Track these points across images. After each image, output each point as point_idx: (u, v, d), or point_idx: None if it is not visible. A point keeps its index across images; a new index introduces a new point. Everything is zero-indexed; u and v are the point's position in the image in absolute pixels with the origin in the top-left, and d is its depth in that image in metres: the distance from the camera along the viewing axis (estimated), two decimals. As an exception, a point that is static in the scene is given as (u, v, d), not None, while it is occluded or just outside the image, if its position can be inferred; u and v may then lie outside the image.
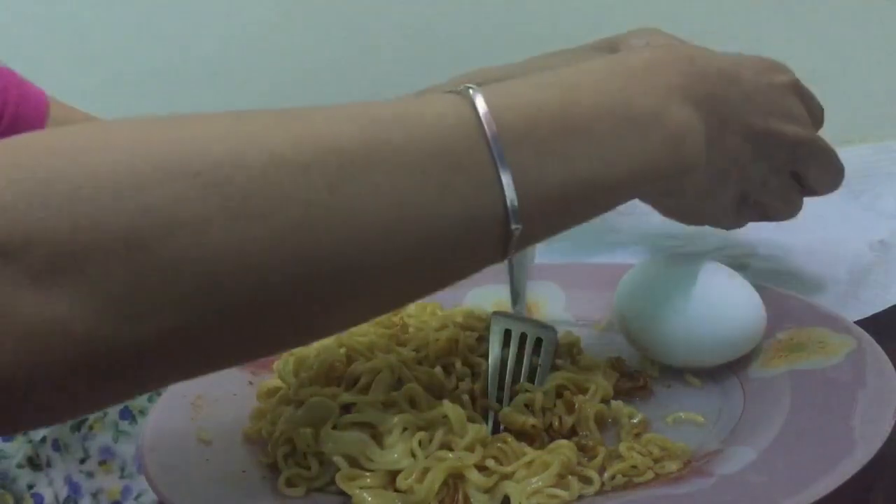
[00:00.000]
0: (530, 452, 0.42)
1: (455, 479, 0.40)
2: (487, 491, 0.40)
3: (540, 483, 0.40)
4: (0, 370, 0.28)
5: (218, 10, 0.95)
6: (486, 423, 0.45)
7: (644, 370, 0.50)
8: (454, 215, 0.34)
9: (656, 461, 0.42)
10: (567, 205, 0.37)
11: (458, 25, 0.89)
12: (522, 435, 0.44)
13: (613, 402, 0.47)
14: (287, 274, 0.32)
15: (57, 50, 0.91)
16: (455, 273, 0.37)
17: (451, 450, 0.41)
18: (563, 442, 0.42)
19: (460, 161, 0.34)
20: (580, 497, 0.40)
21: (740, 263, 0.63)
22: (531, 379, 0.47)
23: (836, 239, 0.66)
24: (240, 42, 0.95)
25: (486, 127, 0.34)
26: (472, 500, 0.40)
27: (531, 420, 0.44)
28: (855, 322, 0.49)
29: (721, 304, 0.48)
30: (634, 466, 0.41)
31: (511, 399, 0.46)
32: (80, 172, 0.29)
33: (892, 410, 0.40)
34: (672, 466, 0.41)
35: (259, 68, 0.94)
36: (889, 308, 0.55)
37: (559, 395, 0.46)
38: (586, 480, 0.41)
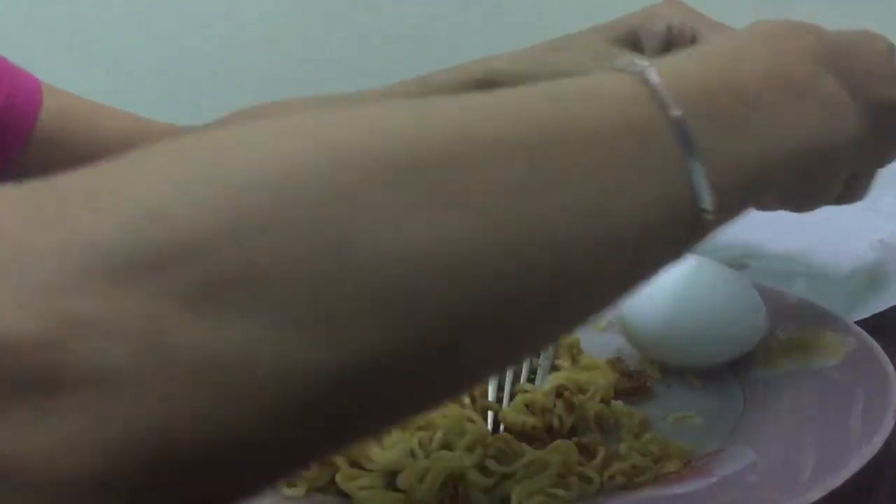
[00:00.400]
0: (530, 452, 0.42)
1: (455, 479, 0.40)
2: (487, 491, 0.40)
3: (540, 483, 0.40)
4: (172, 425, 0.22)
5: (218, 10, 0.95)
6: (486, 423, 0.45)
7: (644, 370, 0.50)
8: (649, 197, 0.30)
9: (656, 461, 0.42)
10: (747, 183, 0.33)
11: (458, 25, 0.89)
12: (522, 435, 0.44)
13: (613, 402, 0.46)
14: (496, 270, 0.26)
15: (56, 49, 0.91)
16: (651, 266, 0.32)
17: (451, 450, 0.41)
18: (563, 442, 0.42)
19: (647, 139, 0.30)
20: (580, 497, 0.40)
21: (740, 263, 0.63)
22: (531, 379, 0.47)
23: (836, 239, 0.66)
24: (240, 41, 0.95)
25: (669, 104, 0.31)
26: (472, 500, 0.40)
27: (531, 420, 0.44)
28: (855, 322, 0.49)
29: (721, 304, 0.48)
30: (634, 466, 0.41)
31: (511, 399, 0.46)
32: (248, 167, 0.24)
33: (892, 411, 0.40)
34: (672, 466, 0.41)
35: (259, 68, 0.94)
36: (889, 308, 0.55)
37: (559, 395, 0.46)
38: (586, 480, 0.41)
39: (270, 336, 0.23)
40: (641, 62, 0.32)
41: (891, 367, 0.43)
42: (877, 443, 0.38)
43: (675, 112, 0.31)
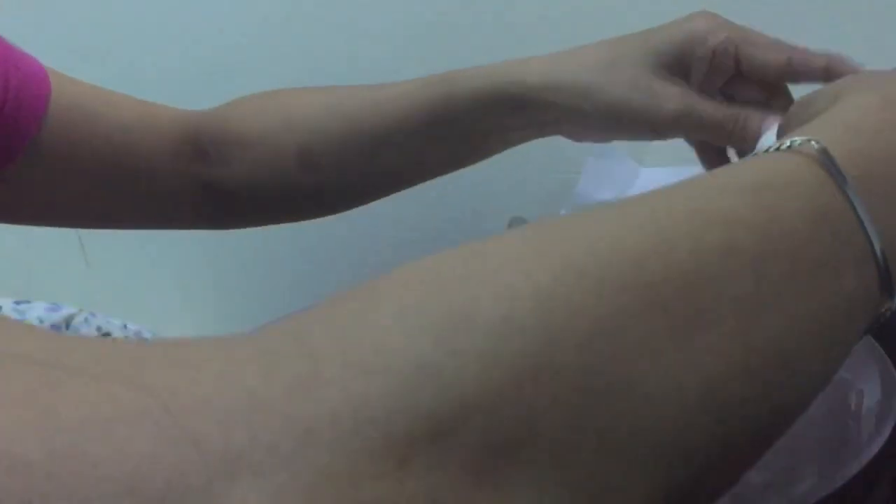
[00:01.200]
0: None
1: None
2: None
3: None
4: None
5: (218, 9, 0.95)
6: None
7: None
8: (851, 293, 0.28)
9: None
10: None
11: (459, 26, 0.89)
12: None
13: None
14: (742, 395, 0.25)
15: (55, 48, 0.92)
16: (841, 360, 0.30)
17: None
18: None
19: (840, 231, 0.28)
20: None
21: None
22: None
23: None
24: (240, 41, 0.95)
25: (858, 196, 0.29)
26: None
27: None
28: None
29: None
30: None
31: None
32: (507, 307, 0.22)
33: (893, 412, 0.39)
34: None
35: (259, 68, 0.95)
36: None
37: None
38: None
39: (552, 500, 0.21)
40: (809, 141, 0.30)
41: (891, 367, 0.43)
42: (878, 443, 0.38)
43: (860, 202, 0.29)
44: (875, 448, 0.37)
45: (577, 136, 0.56)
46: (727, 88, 0.52)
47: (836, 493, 0.36)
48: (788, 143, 0.30)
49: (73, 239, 1.01)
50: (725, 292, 0.25)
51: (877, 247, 0.28)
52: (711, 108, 0.50)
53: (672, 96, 0.50)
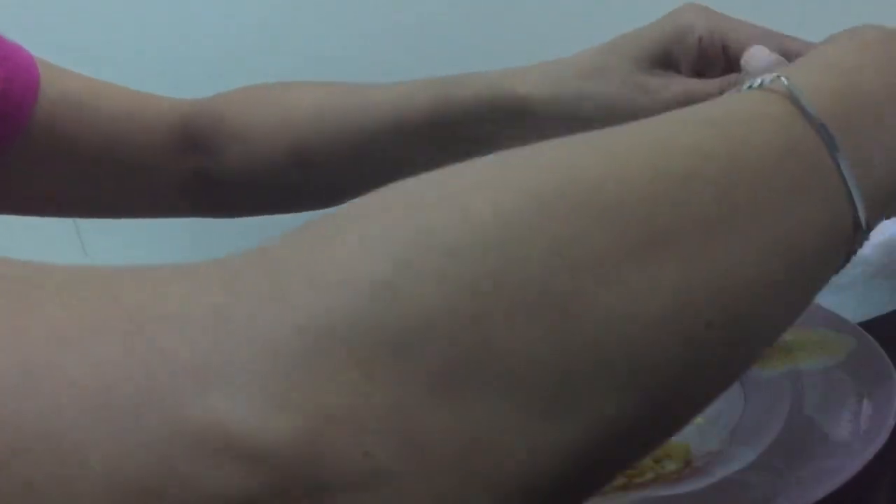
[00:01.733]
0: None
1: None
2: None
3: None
4: None
5: (218, 8, 0.95)
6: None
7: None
8: (822, 222, 0.29)
9: (656, 461, 0.42)
10: (885, 202, 0.32)
11: (459, 26, 0.89)
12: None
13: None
14: (706, 316, 0.25)
15: (54, 44, 0.91)
16: (814, 293, 0.30)
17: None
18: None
19: (810, 162, 0.29)
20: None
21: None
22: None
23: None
24: (239, 42, 0.95)
25: (826, 125, 0.29)
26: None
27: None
28: (855, 322, 0.49)
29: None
30: (634, 466, 0.41)
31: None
32: (464, 230, 0.22)
33: (893, 411, 0.40)
34: (672, 466, 0.41)
35: (259, 68, 0.94)
36: (890, 309, 0.55)
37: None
38: (586, 480, 0.41)
39: (516, 415, 0.21)
40: (778, 78, 0.31)
41: (891, 367, 0.43)
42: (877, 443, 0.38)
43: (836, 138, 0.29)
44: (875, 448, 0.38)
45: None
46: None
47: (836, 493, 0.36)
48: (759, 82, 0.31)
49: (70, 228, 1.01)
50: (687, 215, 0.25)
51: (850, 181, 0.29)
52: (706, 85, 0.50)
53: (665, 86, 0.51)
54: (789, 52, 0.49)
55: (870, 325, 0.49)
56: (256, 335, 0.20)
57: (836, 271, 0.31)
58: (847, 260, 0.31)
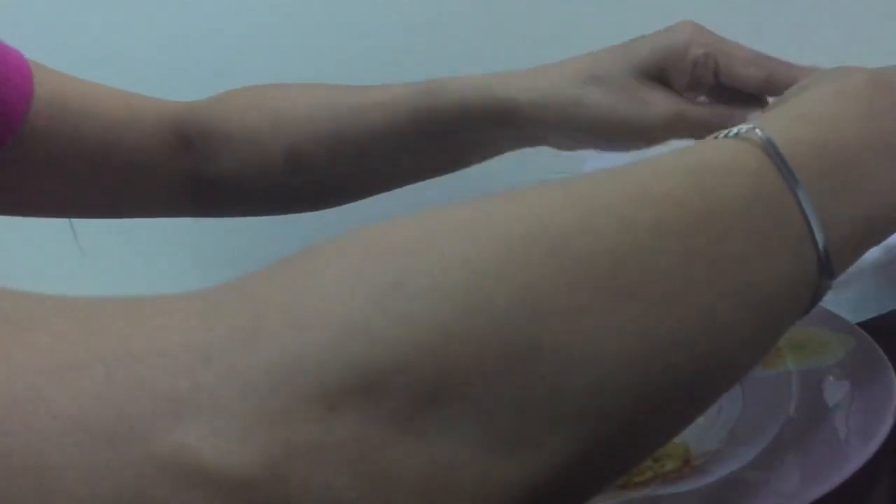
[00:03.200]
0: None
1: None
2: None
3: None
4: None
5: (218, 10, 0.95)
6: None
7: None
8: (788, 273, 0.30)
9: (655, 460, 0.42)
10: (857, 247, 0.34)
11: (460, 26, 0.89)
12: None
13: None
14: (667, 361, 0.26)
15: (54, 47, 0.91)
16: (776, 337, 0.32)
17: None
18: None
19: (779, 215, 0.30)
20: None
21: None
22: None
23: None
24: (239, 42, 0.95)
25: (798, 180, 0.30)
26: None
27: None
28: (855, 322, 0.49)
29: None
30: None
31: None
32: (435, 275, 0.23)
33: (892, 410, 0.40)
34: (671, 465, 0.41)
35: (259, 69, 0.94)
36: (889, 309, 0.55)
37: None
38: (585, 479, 0.41)
39: (472, 452, 0.23)
40: (753, 129, 0.31)
41: (890, 367, 0.43)
42: (876, 442, 0.38)
43: (804, 187, 0.30)
44: (874, 447, 0.38)
45: (566, 147, 0.56)
46: (709, 98, 0.53)
47: (834, 493, 0.36)
48: (735, 131, 0.32)
49: (65, 228, 1.01)
50: (653, 266, 0.26)
51: (817, 233, 0.30)
52: (698, 110, 0.51)
53: (659, 101, 0.51)
54: (778, 77, 0.49)
55: (869, 325, 0.49)
56: (230, 371, 0.21)
57: (801, 317, 0.32)
58: (812, 305, 0.32)
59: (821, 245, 0.30)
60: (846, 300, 0.57)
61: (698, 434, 0.44)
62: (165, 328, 0.22)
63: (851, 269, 0.62)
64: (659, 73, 0.52)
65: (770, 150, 0.30)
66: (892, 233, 0.35)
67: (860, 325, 0.49)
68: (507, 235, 0.25)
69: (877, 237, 0.34)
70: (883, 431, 0.38)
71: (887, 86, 0.37)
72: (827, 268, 0.31)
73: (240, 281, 0.24)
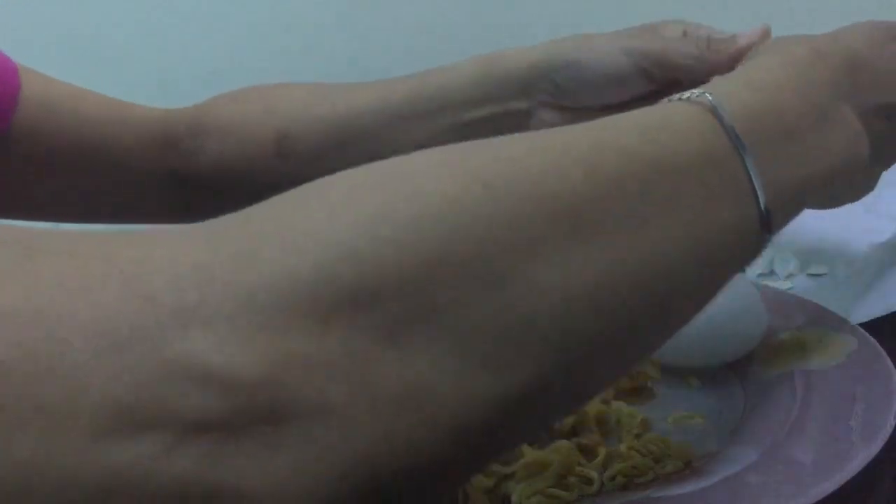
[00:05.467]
0: (530, 453, 0.41)
1: (455, 479, 0.40)
2: (487, 491, 0.40)
3: (540, 483, 0.40)
4: (380, 452, 0.24)
5: (218, 8, 0.95)
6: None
7: (644, 370, 0.50)
8: (732, 223, 0.33)
9: (657, 461, 0.42)
10: (792, 205, 0.37)
11: (460, 26, 0.89)
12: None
13: (614, 403, 0.46)
14: (625, 298, 0.29)
15: (53, 46, 0.91)
16: (722, 283, 0.35)
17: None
18: (564, 442, 0.42)
19: (725, 171, 0.33)
20: (580, 497, 0.40)
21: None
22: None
23: (837, 240, 0.66)
24: (239, 42, 0.95)
25: (743, 142, 0.33)
26: (472, 500, 0.40)
27: (531, 420, 0.44)
28: (855, 322, 0.49)
29: (722, 304, 0.48)
30: (635, 467, 0.41)
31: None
32: (420, 207, 0.26)
33: (893, 412, 0.39)
34: (672, 467, 0.41)
35: (258, 70, 0.94)
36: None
37: (559, 395, 0.46)
38: (586, 481, 0.41)
39: (452, 366, 0.25)
40: (704, 94, 0.35)
41: (892, 367, 0.43)
42: (877, 444, 0.38)
43: (748, 149, 0.33)
44: (876, 448, 0.37)
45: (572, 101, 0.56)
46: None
47: (836, 494, 0.36)
48: (688, 95, 0.35)
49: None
50: (613, 208, 0.29)
51: (759, 192, 0.33)
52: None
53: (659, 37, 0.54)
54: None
55: (870, 325, 0.49)
56: (232, 288, 0.23)
57: (742, 268, 0.36)
58: (753, 257, 0.36)
59: (762, 203, 0.33)
60: (847, 300, 0.57)
61: (700, 435, 0.44)
62: (174, 251, 0.24)
63: (852, 269, 0.62)
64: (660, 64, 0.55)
65: (718, 114, 0.34)
66: (825, 193, 0.40)
67: (862, 325, 0.49)
68: (483, 174, 0.28)
69: (811, 197, 0.38)
70: (885, 432, 0.38)
71: (826, 56, 0.40)
72: (766, 224, 0.34)
73: (240, 212, 0.26)
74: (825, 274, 0.63)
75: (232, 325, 0.22)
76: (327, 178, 0.28)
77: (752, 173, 0.33)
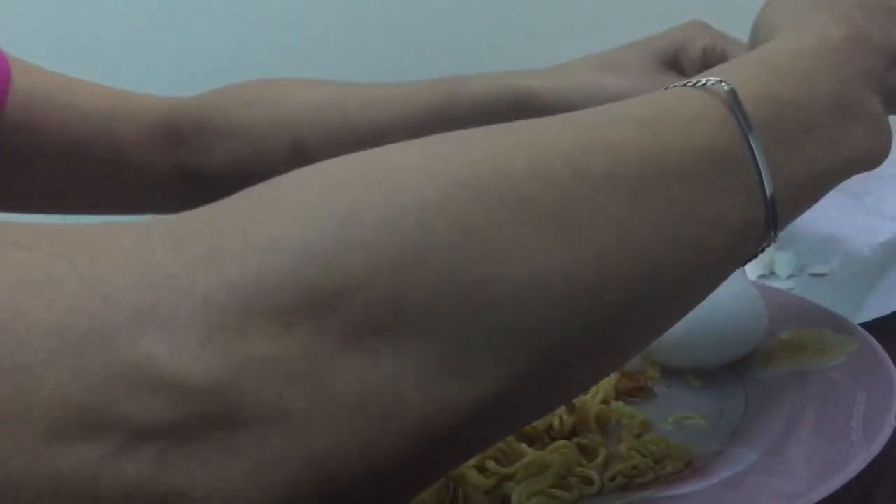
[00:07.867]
0: (530, 453, 0.41)
1: (455, 480, 0.40)
2: (488, 492, 0.40)
3: (540, 484, 0.40)
4: (338, 457, 0.23)
5: (217, 8, 0.95)
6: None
7: (645, 370, 0.50)
8: (735, 224, 0.31)
9: (657, 462, 0.42)
10: (797, 205, 0.35)
11: (460, 26, 0.89)
12: (522, 435, 0.44)
13: (614, 403, 0.46)
14: (607, 299, 0.28)
15: (54, 50, 0.91)
16: (717, 283, 0.33)
17: (451, 450, 0.41)
18: (564, 442, 0.42)
19: (731, 167, 0.31)
20: (580, 497, 0.40)
21: (741, 264, 0.63)
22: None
23: (838, 240, 0.65)
24: (238, 42, 0.95)
25: (753, 138, 0.32)
26: (472, 500, 0.40)
27: (531, 420, 0.44)
28: (856, 323, 0.49)
29: (722, 304, 0.48)
30: (635, 467, 0.41)
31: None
32: (389, 208, 0.25)
33: (893, 412, 0.39)
34: (673, 467, 0.41)
35: (260, 66, 0.94)
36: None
37: (560, 395, 0.46)
38: (587, 481, 0.41)
39: (416, 371, 0.24)
40: (720, 82, 0.32)
41: (892, 368, 0.43)
42: (878, 444, 0.38)
43: (759, 144, 0.32)
44: (876, 449, 0.37)
45: None
46: None
47: (836, 494, 0.36)
48: (703, 82, 0.33)
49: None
50: (600, 212, 0.28)
51: (768, 190, 0.32)
52: None
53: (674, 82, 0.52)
54: None
55: (870, 326, 0.49)
56: (192, 288, 0.22)
57: (743, 264, 0.34)
58: (755, 254, 0.34)
59: (770, 204, 0.32)
60: (847, 300, 0.57)
61: (700, 436, 0.44)
62: (135, 248, 0.23)
63: (852, 269, 0.62)
64: (674, 61, 0.56)
65: (733, 103, 0.32)
66: (831, 188, 0.37)
67: (862, 325, 0.48)
68: (460, 175, 0.26)
69: (820, 193, 0.36)
70: (886, 433, 0.38)
71: (865, 41, 0.38)
72: (773, 220, 0.32)
73: (207, 208, 0.25)
74: (826, 274, 0.63)
75: (188, 328, 0.22)
76: (299, 173, 0.27)
77: (761, 168, 0.31)
